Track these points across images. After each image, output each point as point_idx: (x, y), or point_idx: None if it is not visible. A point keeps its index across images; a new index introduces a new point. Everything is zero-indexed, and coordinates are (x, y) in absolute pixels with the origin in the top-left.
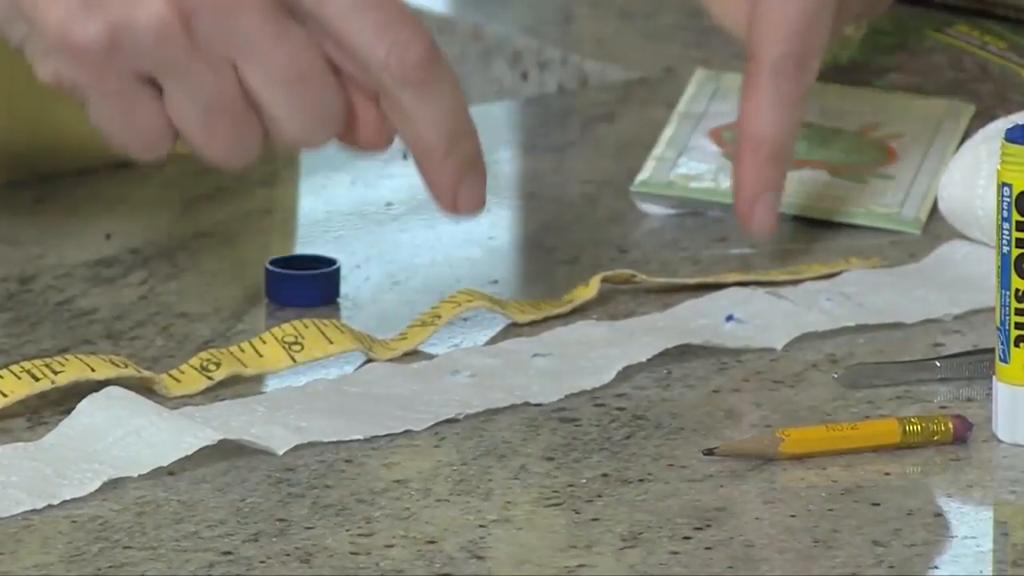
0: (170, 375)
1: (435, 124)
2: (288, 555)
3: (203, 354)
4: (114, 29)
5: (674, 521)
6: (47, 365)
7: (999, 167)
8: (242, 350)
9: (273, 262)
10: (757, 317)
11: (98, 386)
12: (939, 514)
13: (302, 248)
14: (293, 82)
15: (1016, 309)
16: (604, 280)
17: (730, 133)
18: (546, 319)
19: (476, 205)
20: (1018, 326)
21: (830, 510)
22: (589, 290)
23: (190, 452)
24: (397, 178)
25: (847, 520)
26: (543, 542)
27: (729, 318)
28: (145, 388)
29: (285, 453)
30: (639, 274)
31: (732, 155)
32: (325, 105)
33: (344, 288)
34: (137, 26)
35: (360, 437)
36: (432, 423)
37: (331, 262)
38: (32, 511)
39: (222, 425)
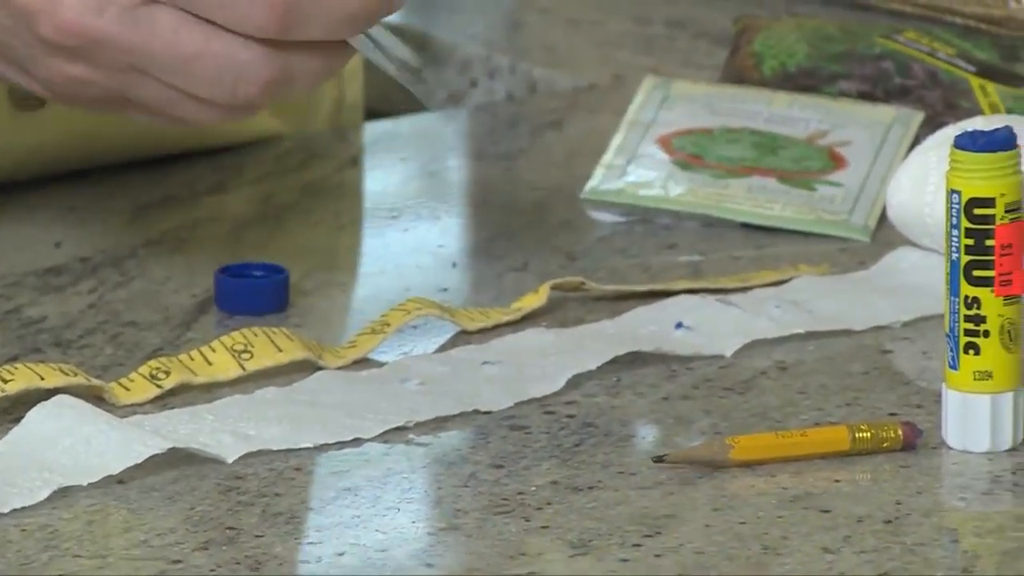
0: (120, 383)
1: None
2: (238, 563)
3: (152, 362)
4: None
5: (624, 528)
6: None
7: (948, 173)
8: (192, 358)
9: (223, 270)
10: (706, 324)
11: (47, 394)
12: (889, 521)
13: (251, 256)
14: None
15: (965, 316)
16: (554, 288)
17: (680, 141)
18: (496, 327)
19: None
20: (967, 333)
21: (780, 517)
22: (539, 298)
23: (140, 460)
24: (346, 186)
25: (797, 527)
26: (493, 550)
27: (679, 325)
28: (95, 396)
29: (235, 461)
30: (589, 281)
31: (681, 162)
32: None
33: (293, 296)
34: None
35: (310, 445)
36: (382, 431)
37: (280, 270)
38: None
39: (171, 433)
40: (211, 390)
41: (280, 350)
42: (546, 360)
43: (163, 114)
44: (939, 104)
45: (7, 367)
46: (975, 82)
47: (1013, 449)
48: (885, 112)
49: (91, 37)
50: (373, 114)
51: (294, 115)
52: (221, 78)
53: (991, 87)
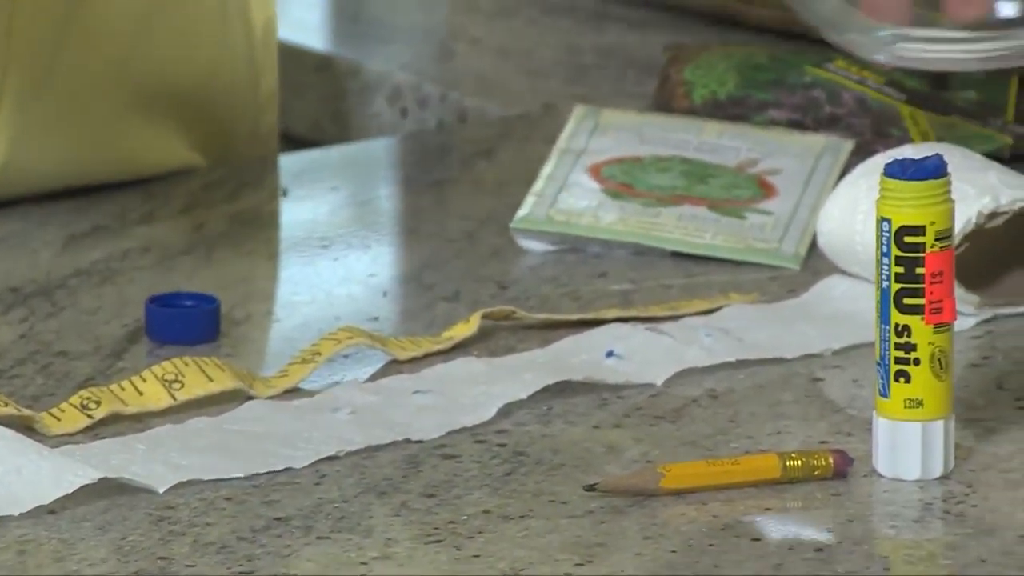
0: (50, 413)
1: None
2: None
3: (83, 392)
4: None
5: (555, 557)
6: None
7: (878, 202)
8: (122, 388)
9: (153, 300)
10: (637, 353)
11: None
12: (820, 549)
13: (182, 286)
14: None
15: (896, 344)
16: (484, 316)
17: (610, 169)
18: (427, 356)
19: None
20: (898, 361)
21: (711, 545)
22: (469, 327)
23: (71, 491)
24: (276, 216)
25: (728, 555)
26: None
27: (609, 354)
28: (25, 427)
29: (166, 491)
30: (519, 310)
31: (612, 191)
32: None
33: (224, 326)
34: None
35: (241, 475)
36: (313, 460)
37: (211, 300)
38: None
39: (102, 463)
40: (142, 420)
41: (211, 380)
42: (477, 389)
43: None
44: (869, 132)
45: None
46: (905, 110)
47: (944, 477)
48: (815, 140)
49: None
50: (303, 143)
51: (210, 145)
52: None
53: (921, 115)
